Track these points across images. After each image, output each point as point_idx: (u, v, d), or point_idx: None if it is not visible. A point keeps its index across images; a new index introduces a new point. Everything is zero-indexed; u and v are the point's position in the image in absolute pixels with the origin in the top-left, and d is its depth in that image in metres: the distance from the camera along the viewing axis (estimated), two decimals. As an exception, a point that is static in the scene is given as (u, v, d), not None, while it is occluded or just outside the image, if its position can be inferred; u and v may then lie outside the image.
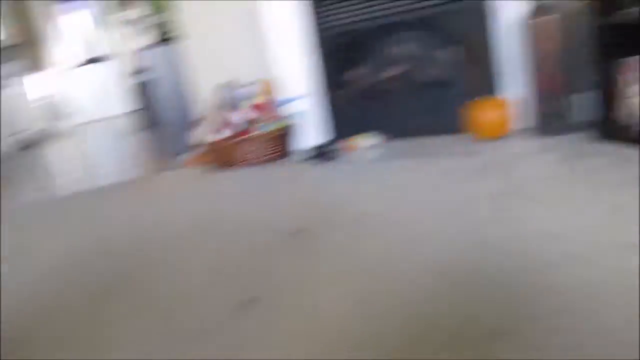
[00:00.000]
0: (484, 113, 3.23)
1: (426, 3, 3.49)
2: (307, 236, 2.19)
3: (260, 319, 1.58)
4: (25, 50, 9.74)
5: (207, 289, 1.84)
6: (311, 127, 3.95)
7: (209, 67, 4.12)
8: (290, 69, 3.84)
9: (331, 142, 3.69)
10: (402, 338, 1.38)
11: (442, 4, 3.44)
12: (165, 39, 7.02)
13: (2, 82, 7.73)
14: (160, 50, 5.72)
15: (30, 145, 7.90)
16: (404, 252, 1.89)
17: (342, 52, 3.89)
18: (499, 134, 3.20)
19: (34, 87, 9.31)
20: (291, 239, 2.19)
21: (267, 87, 3.86)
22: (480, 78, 3.40)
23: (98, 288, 2.01)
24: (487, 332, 1.33)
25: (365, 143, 3.64)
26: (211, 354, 1.44)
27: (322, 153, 3.48)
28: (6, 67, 8.43)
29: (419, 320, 1.44)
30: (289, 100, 3.85)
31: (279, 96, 3.87)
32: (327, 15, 3.81)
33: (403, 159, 3.21)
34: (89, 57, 10.95)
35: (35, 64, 10.03)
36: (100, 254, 2.41)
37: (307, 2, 3.78)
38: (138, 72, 7.32)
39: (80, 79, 10.42)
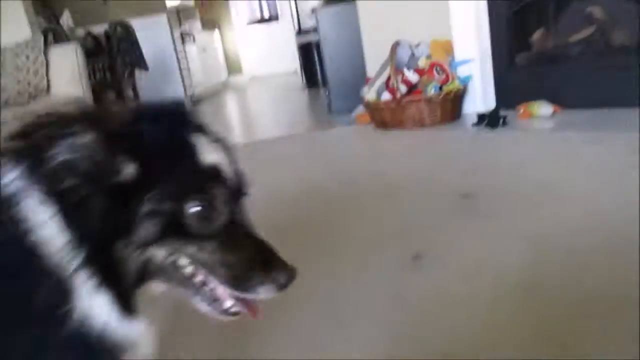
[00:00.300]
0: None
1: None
2: (477, 200, 2.16)
3: (425, 274, 1.63)
4: (203, 8, 10.61)
5: (383, 242, 1.92)
6: (483, 91, 3.82)
7: (382, 27, 4.14)
8: (466, 30, 3.72)
9: (503, 108, 3.53)
10: (558, 306, 1.33)
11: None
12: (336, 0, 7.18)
13: (183, 39, 8.52)
14: (331, 9, 5.86)
15: (205, 98, 8.70)
16: (574, 226, 1.79)
17: (520, 13, 3.67)
18: None
19: (209, 44, 10.15)
20: (462, 201, 2.18)
21: (443, 48, 3.78)
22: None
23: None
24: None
25: (540, 111, 3.43)
26: (379, 300, 1.52)
27: (493, 118, 3.35)
28: (185, 25, 9.29)
29: (580, 293, 1.37)
30: (463, 62, 3.75)
31: (453, 58, 3.78)
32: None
33: (581, 130, 2.96)
34: (260, 16, 11.64)
35: (211, 21, 10.90)
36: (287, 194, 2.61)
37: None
38: (307, 31, 7.60)
39: (252, 37, 11.10)
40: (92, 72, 5.41)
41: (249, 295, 0.77)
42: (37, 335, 0.65)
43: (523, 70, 3.78)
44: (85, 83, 4.07)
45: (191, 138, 0.74)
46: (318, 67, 6.95)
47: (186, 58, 8.16)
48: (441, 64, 3.64)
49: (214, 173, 0.74)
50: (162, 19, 7.63)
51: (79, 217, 0.66)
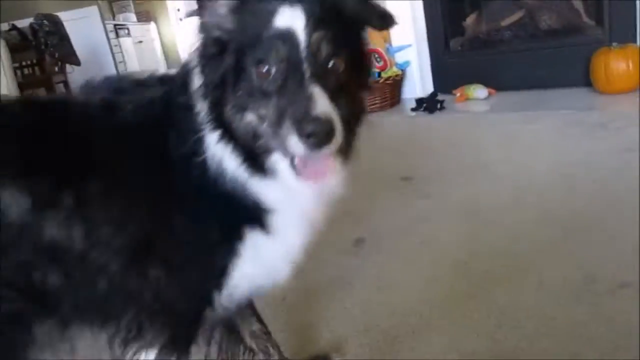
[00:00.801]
0: (614, 63, 2.96)
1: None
2: (417, 182, 2.20)
3: (367, 257, 1.64)
4: (133, 2, 10.27)
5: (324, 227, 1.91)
6: (421, 77, 3.88)
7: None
8: (402, 16, 3.76)
9: (440, 92, 3.60)
10: (493, 278, 1.37)
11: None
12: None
13: (117, 31, 8.23)
14: None
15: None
16: (515, 199, 1.85)
17: (455, -2, 3.75)
18: (628, 88, 2.96)
19: (145, 36, 9.85)
20: (402, 183, 2.21)
21: (380, 34, 3.81)
22: (620, 22, 3.09)
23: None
24: (607, 284, 1.29)
25: (475, 94, 3.52)
26: (321, 284, 1.51)
27: (431, 102, 3.41)
28: (119, 17, 8.97)
29: (514, 264, 1.42)
30: (401, 48, 3.79)
31: (390, 44, 3.81)
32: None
33: (517, 111, 3.07)
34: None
35: (146, 13, 10.56)
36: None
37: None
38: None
39: (190, 29, 10.84)
40: (19, 68, 5.14)
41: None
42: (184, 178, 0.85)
43: (458, 54, 3.87)
44: (11, 80, 3.85)
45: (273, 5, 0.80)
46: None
47: (121, 51, 7.88)
48: (379, 50, 3.67)
49: (285, 36, 0.78)
50: (93, 10, 7.33)
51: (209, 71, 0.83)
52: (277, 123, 0.76)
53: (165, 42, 11.28)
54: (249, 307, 1.09)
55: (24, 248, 0.79)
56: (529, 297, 1.32)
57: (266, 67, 0.78)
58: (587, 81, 3.16)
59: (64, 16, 5.64)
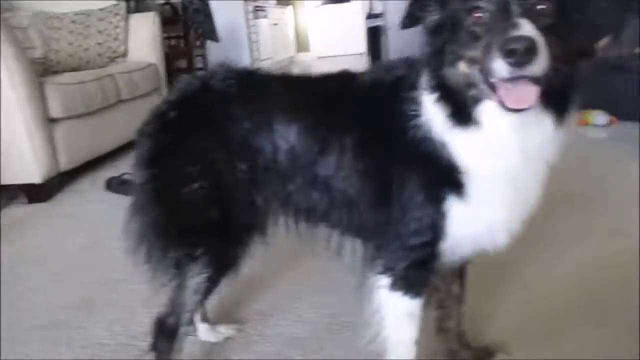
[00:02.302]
0: None
1: None
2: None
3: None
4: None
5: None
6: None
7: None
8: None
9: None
10: None
11: None
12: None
13: (255, 13, 8.72)
14: (400, -3, 5.88)
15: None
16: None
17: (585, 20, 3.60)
18: None
19: (281, 19, 10.33)
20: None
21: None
22: None
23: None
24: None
25: (596, 120, 3.40)
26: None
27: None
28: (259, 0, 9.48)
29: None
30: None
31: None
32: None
33: (634, 144, 2.94)
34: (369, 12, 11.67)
35: (287, -2, 11.04)
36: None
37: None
38: (377, 15, 7.64)
39: (323, 17, 11.18)
40: (166, 39, 5.72)
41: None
42: (400, 136, 1.01)
43: (585, 77, 3.72)
44: (160, 50, 4.34)
45: None
46: (382, 52, 7.00)
47: (257, 32, 8.38)
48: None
49: None
50: (237, -8, 7.85)
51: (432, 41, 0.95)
52: (485, 55, 0.81)
53: (298, 26, 11.75)
54: (459, 268, 1.22)
55: (294, 170, 1.11)
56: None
57: (479, 13, 0.85)
58: None
59: (211, -5, 6.12)
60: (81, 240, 2.27)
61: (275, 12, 9.82)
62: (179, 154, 1.13)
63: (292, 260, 1.88)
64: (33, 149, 2.77)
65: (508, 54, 0.77)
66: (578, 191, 2.28)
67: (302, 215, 1.19)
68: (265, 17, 8.96)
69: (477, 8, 0.86)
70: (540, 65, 0.78)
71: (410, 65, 1.05)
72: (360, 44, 9.59)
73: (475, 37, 0.85)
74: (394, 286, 1.08)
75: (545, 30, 0.81)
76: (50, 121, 2.89)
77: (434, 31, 0.95)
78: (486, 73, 0.83)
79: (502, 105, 0.83)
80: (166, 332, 1.19)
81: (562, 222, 1.98)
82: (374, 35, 7.76)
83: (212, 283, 1.16)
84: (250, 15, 8.14)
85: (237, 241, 1.16)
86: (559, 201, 2.13)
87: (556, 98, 0.89)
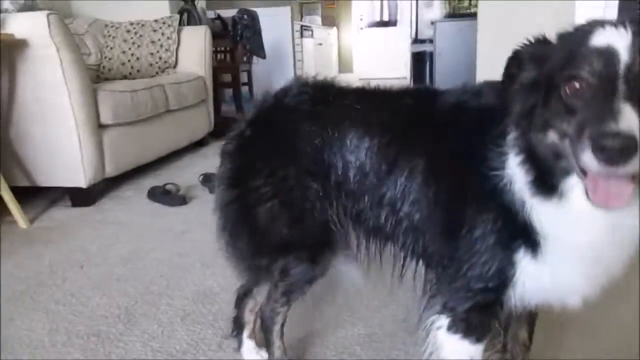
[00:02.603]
0: None
1: None
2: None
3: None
4: (326, 4, 10.88)
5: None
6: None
7: (499, 44, 4.08)
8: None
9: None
10: None
11: None
12: (456, 14, 7.12)
13: (302, 32, 8.82)
14: (450, 23, 5.84)
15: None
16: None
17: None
18: None
19: (326, 40, 10.42)
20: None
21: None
22: None
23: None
24: None
25: None
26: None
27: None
28: (306, 19, 9.59)
29: None
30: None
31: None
32: None
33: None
34: (380, 19, 11.75)
35: (331, 18, 11.16)
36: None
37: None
38: (423, 41, 7.61)
39: (368, 39, 11.24)
40: (215, 53, 5.81)
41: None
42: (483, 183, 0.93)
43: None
44: (209, 64, 4.39)
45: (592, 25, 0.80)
46: (428, 78, 6.95)
47: (302, 50, 8.46)
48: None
49: (603, 53, 0.75)
50: (286, 10, 7.97)
51: (522, 100, 0.88)
52: (577, 137, 0.73)
53: (342, 47, 11.83)
54: (529, 314, 1.17)
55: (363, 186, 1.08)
56: None
57: (577, 83, 0.76)
58: None
59: (260, 12, 6.22)
60: (122, 249, 2.26)
61: (320, 32, 9.92)
62: (253, 173, 1.13)
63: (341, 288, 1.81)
64: (81, 154, 2.80)
65: (600, 149, 0.67)
66: None
67: (372, 235, 1.15)
68: (310, 36, 9.05)
69: (576, 77, 0.76)
70: (637, 164, 0.68)
71: (498, 94, 0.97)
72: (403, 68, 9.58)
73: (570, 110, 0.76)
74: (453, 328, 1.02)
75: None
76: (100, 127, 2.93)
77: (527, 89, 0.87)
78: (576, 156, 0.73)
79: (589, 197, 0.75)
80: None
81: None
82: (418, 61, 7.73)
83: (288, 297, 1.21)
84: (297, 34, 8.23)
85: (311, 260, 1.14)
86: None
87: None
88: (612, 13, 3.60)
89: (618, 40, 0.75)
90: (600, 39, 0.76)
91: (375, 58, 11.20)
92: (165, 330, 1.61)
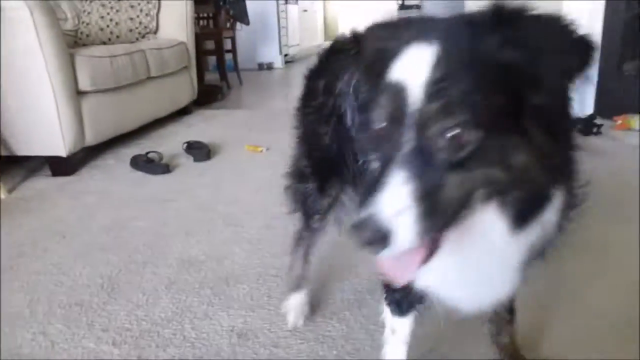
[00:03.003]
0: None
1: None
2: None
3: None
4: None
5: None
6: (582, 96, 3.65)
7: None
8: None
9: (599, 116, 3.37)
10: None
11: None
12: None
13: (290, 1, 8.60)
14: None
15: (298, 59, 8.81)
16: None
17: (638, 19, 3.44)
18: None
19: (311, 6, 10.19)
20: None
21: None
22: None
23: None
24: None
25: (637, 125, 3.24)
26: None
27: (587, 125, 3.21)
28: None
29: None
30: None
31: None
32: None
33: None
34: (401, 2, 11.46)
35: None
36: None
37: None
38: (410, 7, 7.48)
39: (353, 5, 10.99)
40: (197, 19, 5.65)
41: None
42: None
43: (631, 80, 3.57)
44: (190, 30, 4.26)
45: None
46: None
47: (286, 17, 8.28)
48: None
49: (394, 91, 0.64)
50: (270, -24, 7.76)
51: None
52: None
53: (327, 15, 11.62)
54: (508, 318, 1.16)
55: None
56: None
57: (377, 125, 0.67)
58: None
59: (243, -23, 6.03)
60: (105, 218, 2.21)
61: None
62: (309, 96, 1.28)
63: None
64: (60, 121, 2.71)
65: (355, 236, 0.59)
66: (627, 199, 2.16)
67: None
68: (295, 3, 8.85)
69: (373, 120, 0.67)
70: (406, 242, 0.58)
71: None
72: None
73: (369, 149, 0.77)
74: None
75: (466, 162, 0.60)
76: (79, 94, 2.83)
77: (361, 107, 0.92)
78: None
79: (381, 272, 0.68)
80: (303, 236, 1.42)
81: (613, 231, 1.86)
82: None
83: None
84: (281, 1, 8.04)
85: (319, 189, 1.28)
86: (609, 211, 2.02)
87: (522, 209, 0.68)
88: (598, 16, 3.55)
89: (416, 73, 0.61)
90: (398, 68, 0.63)
91: (361, 25, 11.01)
92: (150, 298, 1.58)
